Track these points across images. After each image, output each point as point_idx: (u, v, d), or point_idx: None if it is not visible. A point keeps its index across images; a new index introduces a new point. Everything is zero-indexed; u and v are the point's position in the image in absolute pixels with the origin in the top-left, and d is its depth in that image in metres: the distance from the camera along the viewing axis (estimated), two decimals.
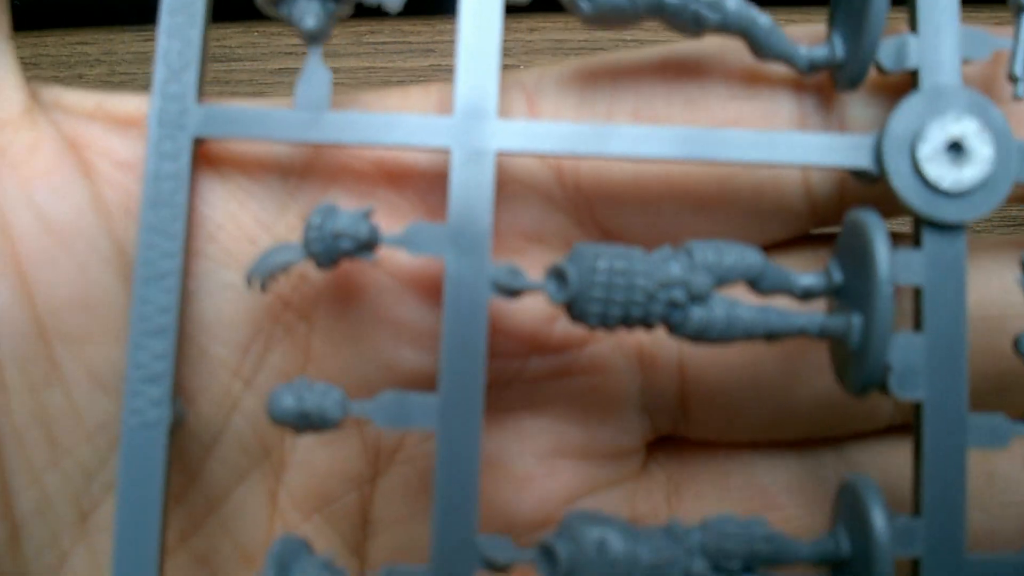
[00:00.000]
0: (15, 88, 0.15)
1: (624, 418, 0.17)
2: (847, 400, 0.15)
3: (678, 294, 0.13)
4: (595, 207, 0.16)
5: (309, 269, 0.15)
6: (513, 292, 0.14)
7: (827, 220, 0.16)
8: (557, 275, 0.14)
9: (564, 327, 0.16)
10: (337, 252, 0.14)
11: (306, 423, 0.14)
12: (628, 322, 0.14)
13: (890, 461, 0.16)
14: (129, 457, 0.14)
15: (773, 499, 0.17)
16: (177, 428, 0.14)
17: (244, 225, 0.15)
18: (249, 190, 0.15)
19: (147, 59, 0.32)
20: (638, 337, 0.16)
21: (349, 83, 0.30)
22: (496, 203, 0.15)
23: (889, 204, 0.14)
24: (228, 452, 0.15)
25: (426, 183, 0.16)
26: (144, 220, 0.14)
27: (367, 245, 0.14)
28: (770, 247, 0.16)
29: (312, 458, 0.16)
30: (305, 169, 0.15)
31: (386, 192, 0.15)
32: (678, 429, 0.17)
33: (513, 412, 0.16)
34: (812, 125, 0.15)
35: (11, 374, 0.14)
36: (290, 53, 0.31)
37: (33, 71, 0.31)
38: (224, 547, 0.16)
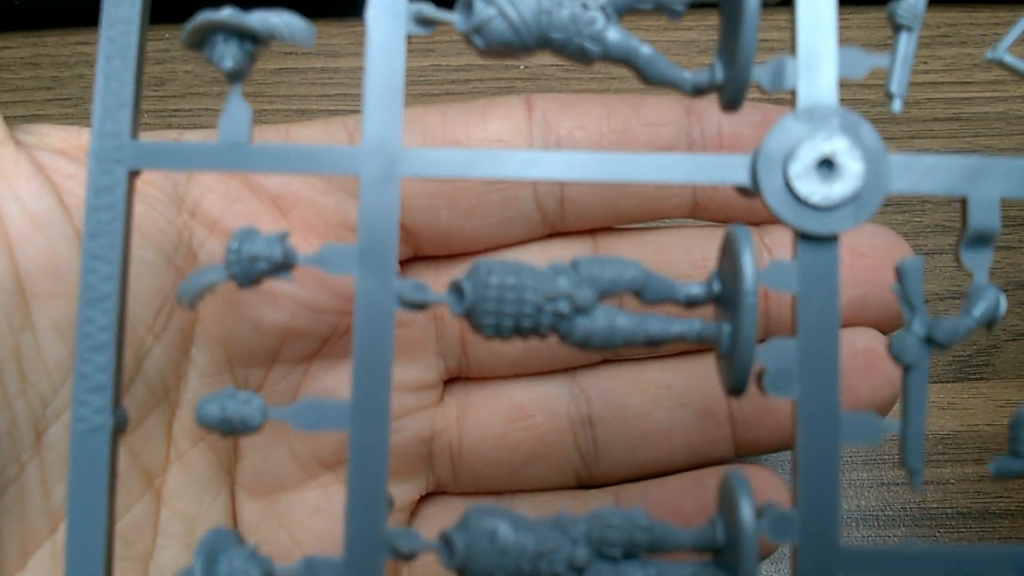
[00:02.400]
0: None
1: (425, 360, 0.23)
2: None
3: (563, 306, 0.15)
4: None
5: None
6: (418, 306, 0.15)
7: (557, 225, 0.22)
8: (456, 289, 0.15)
9: None
10: (254, 273, 0.15)
11: (229, 428, 0.15)
12: (521, 332, 0.15)
13: None
14: (77, 459, 0.15)
15: (526, 412, 0.23)
16: (121, 431, 0.16)
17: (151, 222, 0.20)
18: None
19: (147, 59, 0.33)
20: None
21: (349, 83, 0.32)
22: (327, 204, 0.22)
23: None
24: (139, 390, 0.20)
25: (313, 213, 0.21)
26: (85, 248, 0.15)
27: (283, 266, 0.15)
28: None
29: (197, 398, 0.19)
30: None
31: (275, 221, 0.20)
32: (463, 369, 0.23)
33: (342, 358, 0.22)
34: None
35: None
36: (290, 53, 0.32)
37: (33, 71, 0.32)
38: (133, 467, 0.20)
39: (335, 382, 0.22)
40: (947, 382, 0.28)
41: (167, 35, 0.31)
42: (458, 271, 0.22)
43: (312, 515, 0.22)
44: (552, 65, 0.32)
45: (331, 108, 0.31)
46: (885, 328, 0.22)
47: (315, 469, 0.22)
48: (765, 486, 0.21)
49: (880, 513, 0.28)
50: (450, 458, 0.23)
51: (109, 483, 0.15)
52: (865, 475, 0.28)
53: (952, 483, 0.28)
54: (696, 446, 0.22)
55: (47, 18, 0.32)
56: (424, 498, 0.24)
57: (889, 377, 0.21)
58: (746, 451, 0.22)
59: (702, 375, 0.22)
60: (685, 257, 0.22)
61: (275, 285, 0.20)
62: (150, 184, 0.20)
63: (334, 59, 0.32)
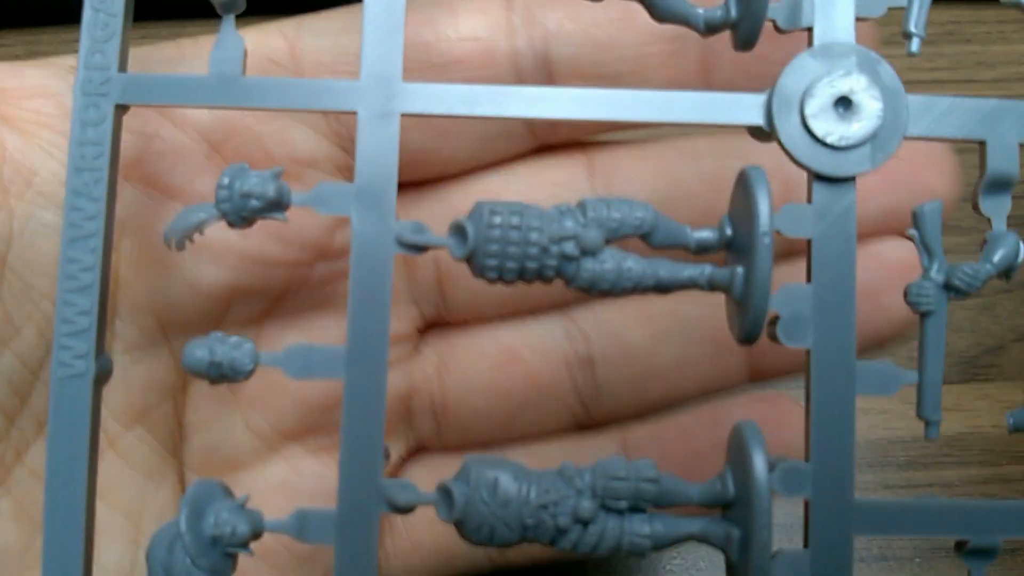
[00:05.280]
0: None
1: (396, 308, 0.18)
2: None
3: (569, 248, 0.14)
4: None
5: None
6: (418, 248, 0.15)
7: (546, 136, 0.19)
8: (458, 231, 0.14)
9: (344, 235, 0.18)
10: (247, 211, 0.14)
11: (218, 373, 0.14)
12: (525, 276, 0.14)
13: None
14: (58, 407, 0.15)
15: (516, 355, 0.20)
16: (104, 379, 0.15)
17: None
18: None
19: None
20: None
21: None
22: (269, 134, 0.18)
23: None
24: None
25: (254, 145, 0.18)
26: (69, 184, 0.15)
27: (276, 204, 0.15)
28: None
29: (128, 374, 0.18)
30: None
31: (207, 158, 0.18)
32: (441, 315, 0.21)
33: (303, 313, 0.20)
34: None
35: None
36: None
37: None
38: None
39: (301, 338, 0.19)
40: (952, 383, 0.28)
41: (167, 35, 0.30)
42: (430, 201, 0.20)
43: (277, 491, 0.20)
44: None
45: None
46: None
47: (277, 442, 0.20)
48: (780, 413, 0.19)
49: None
50: (432, 414, 0.21)
51: (91, 434, 0.15)
52: (870, 477, 0.27)
53: (957, 485, 0.27)
54: (707, 378, 0.20)
55: (42, 16, 0.31)
56: (406, 459, 0.21)
57: None
58: (761, 377, 0.20)
59: (711, 301, 0.18)
60: (694, 171, 0.19)
61: (215, 237, 0.17)
62: (49, 128, 0.17)
63: None
